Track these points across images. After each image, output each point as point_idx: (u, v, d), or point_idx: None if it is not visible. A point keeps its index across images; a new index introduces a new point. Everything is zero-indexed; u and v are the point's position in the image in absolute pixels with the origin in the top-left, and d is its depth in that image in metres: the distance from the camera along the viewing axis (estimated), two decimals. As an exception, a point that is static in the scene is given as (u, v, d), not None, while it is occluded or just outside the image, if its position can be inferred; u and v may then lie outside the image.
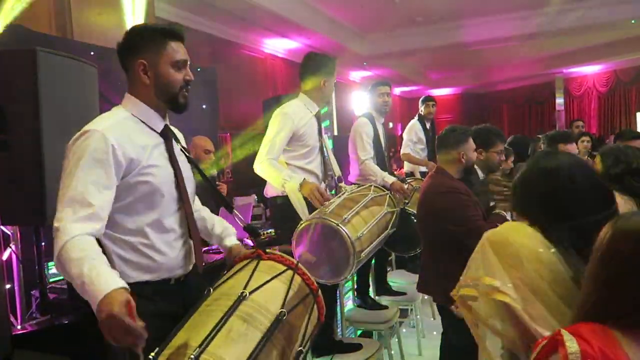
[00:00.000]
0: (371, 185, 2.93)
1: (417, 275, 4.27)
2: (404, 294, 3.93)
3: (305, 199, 2.71)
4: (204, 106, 5.23)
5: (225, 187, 4.08)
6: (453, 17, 8.11)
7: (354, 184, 3.57)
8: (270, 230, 3.59)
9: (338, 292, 3.24)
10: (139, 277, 1.56)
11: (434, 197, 2.64)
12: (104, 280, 1.27)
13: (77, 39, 4.02)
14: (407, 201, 3.48)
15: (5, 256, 2.27)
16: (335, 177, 3.11)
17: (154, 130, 1.63)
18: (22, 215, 2.16)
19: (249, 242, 3.33)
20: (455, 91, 14.45)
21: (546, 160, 1.41)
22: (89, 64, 2.46)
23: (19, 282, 2.33)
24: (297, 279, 1.59)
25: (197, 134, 3.96)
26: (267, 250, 1.65)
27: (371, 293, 3.84)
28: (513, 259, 1.28)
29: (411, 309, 4.11)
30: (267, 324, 1.40)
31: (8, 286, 2.18)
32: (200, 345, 1.28)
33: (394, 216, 2.88)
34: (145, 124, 1.61)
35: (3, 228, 2.26)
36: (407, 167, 5.49)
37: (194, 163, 1.78)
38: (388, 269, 4.29)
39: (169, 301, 1.60)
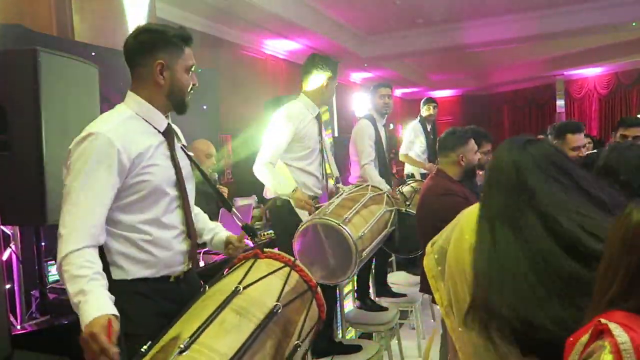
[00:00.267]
0: (368, 185, 2.94)
1: (418, 277, 4.31)
2: (404, 295, 3.92)
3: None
4: (204, 107, 5.23)
5: (227, 191, 4.09)
6: (454, 18, 8.11)
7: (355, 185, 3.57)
8: (270, 231, 3.59)
9: (338, 293, 3.24)
10: (139, 273, 1.57)
11: (431, 199, 2.65)
12: (96, 305, 1.34)
13: (78, 39, 4.02)
14: (408, 203, 3.48)
15: (5, 256, 2.27)
16: (334, 178, 3.12)
17: (157, 129, 1.63)
18: (23, 215, 2.16)
19: (249, 242, 3.34)
20: (456, 93, 14.45)
21: None
22: (90, 64, 2.46)
23: (19, 282, 2.33)
24: (294, 275, 1.60)
25: (198, 134, 3.96)
26: (265, 250, 1.65)
27: (371, 294, 3.84)
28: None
29: (411, 311, 4.11)
30: (261, 317, 1.41)
31: (8, 286, 2.18)
32: (191, 337, 1.29)
33: (392, 215, 2.88)
34: (149, 123, 1.62)
35: (3, 228, 2.26)
36: (407, 168, 5.49)
37: (194, 161, 1.78)
38: (388, 270, 4.29)
39: (168, 299, 1.61)
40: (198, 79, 1.72)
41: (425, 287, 2.84)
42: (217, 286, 1.54)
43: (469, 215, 1.41)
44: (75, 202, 1.45)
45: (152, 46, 1.59)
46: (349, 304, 3.80)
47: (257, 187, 2.81)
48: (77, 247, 1.41)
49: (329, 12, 7.54)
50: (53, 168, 2.01)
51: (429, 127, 5.33)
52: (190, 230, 1.67)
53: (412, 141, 5.23)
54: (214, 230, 1.88)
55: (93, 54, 3.67)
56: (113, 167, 1.48)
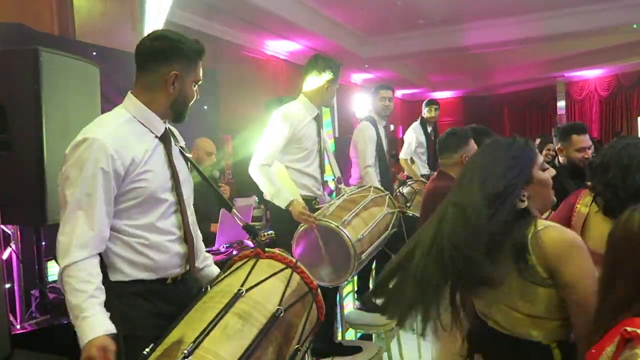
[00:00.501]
0: (371, 187, 2.93)
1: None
2: (404, 296, 3.91)
3: (305, 200, 2.71)
4: (205, 107, 5.24)
5: (229, 189, 4.09)
6: (455, 20, 8.12)
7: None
8: (270, 232, 3.59)
9: (338, 294, 3.24)
10: (136, 275, 1.56)
11: (436, 199, 2.62)
12: (94, 324, 1.39)
13: (79, 38, 4.03)
14: (409, 204, 3.48)
15: (5, 255, 2.27)
16: (335, 179, 3.11)
17: (154, 134, 1.63)
18: (23, 214, 2.16)
19: (250, 243, 3.34)
20: (457, 94, 14.46)
21: None
22: (91, 63, 2.46)
23: (19, 282, 2.33)
24: (296, 277, 1.59)
25: (199, 135, 3.97)
26: (266, 250, 1.65)
27: (371, 295, 3.84)
28: None
29: (411, 312, 4.10)
30: (263, 321, 1.40)
31: (8, 285, 2.18)
32: (194, 341, 1.29)
33: (394, 217, 2.88)
34: (146, 127, 1.61)
35: (3, 227, 2.26)
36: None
37: (192, 164, 1.78)
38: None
39: (165, 300, 1.60)
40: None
41: None
42: (219, 287, 1.54)
43: None
44: (73, 210, 1.45)
45: (168, 55, 1.59)
46: (349, 305, 3.80)
47: (257, 188, 2.80)
48: (78, 258, 1.43)
49: (329, 13, 7.55)
50: (53, 168, 2.00)
51: (429, 129, 5.33)
52: (187, 235, 1.66)
53: (413, 144, 5.22)
54: (205, 262, 1.83)
55: (94, 53, 3.68)
56: (109, 174, 1.48)
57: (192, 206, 1.76)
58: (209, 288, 1.54)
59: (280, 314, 1.44)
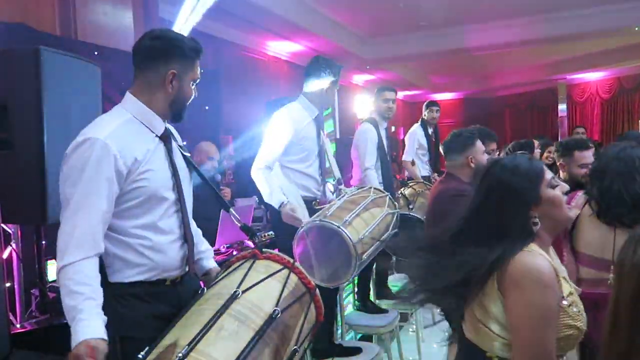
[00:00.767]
0: (371, 187, 2.92)
1: (418, 280, 4.30)
2: (404, 298, 3.91)
3: (305, 201, 2.71)
4: (206, 108, 5.24)
5: (230, 192, 4.09)
6: (457, 22, 8.11)
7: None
8: (270, 232, 3.60)
9: (338, 295, 3.23)
10: (136, 277, 1.56)
11: (444, 201, 2.58)
12: (88, 328, 1.38)
13: (81, 38, 4.03)
14: (411, 206, 3.48)
15: (5, 254, 2.27)
16: (335, 180, 3.11)
17: (154, 133, 1.63)
18: (23, 213, 2.16)
19: (250, 243, 3.34)
20: (458, 96, 14.45)
21: None
22: (92, 63, 2.47)
23: (19, 281, 2.33)
24: (293, 277, 1.58)
25: (200, 135, 3.98)
26: (264, 250, 1.64)
27: (371, 296, 3.83)
28: None
29: (411, 313, 4.10)
30: (259, 323, 1.39)
31: (8, 285, 2.18)
32: (189, 344, 1.28)
33: (394, 218, 2.87)
34: (146, 126, 1.61)
35: (4, 226, 2.26)
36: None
37: (192, 164, 1.78)
38: (389, 273, 4.28)
39: (164, 302, 1.60)
40: (200, 80, 1.72)
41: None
42: (215, 288, 1.53)
43: None
44: (75, 210, 1.45)
45: (167, 55, 1.59)
46: (349, 306, 3.80)
47: (258, 189, 2.80)
48: (77, 258, 1.42)
49: (331, 14, 7.55)
50: (54, 167, 2.00)
51: (430, 130, 5.33)
52: (186, 235, 1.66)
53: (414, 145, 5.21)
54: (201, 254, 1.83)
55: (96, 53, 3.69)
56: (111, 174, 1.47)
57: (191, 206, 1.76)
58: (205, 290, 1.53)
59: (277, 315, 1.43)
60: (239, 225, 1.81)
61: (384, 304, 3.81)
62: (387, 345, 3.35)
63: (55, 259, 1.45)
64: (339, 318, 3.37)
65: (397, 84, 10.09)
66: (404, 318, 4.18)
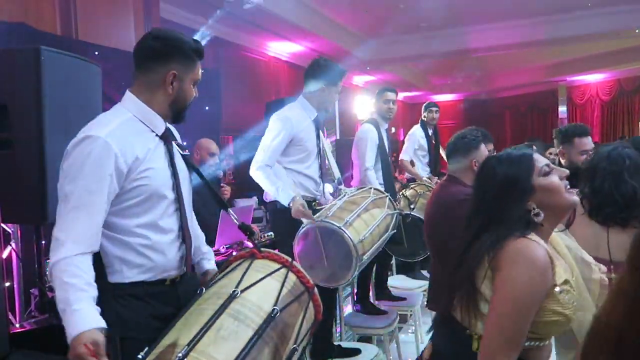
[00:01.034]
0: (371, 188, 2.92)
1: (418, 281, 4.31)
2: (403, 299, 3.91)
3: (305, 201, 2.70)
4: (207, 108, 5.24)
5: (229, 190, 4.09)
6: (457, 23, 8.13)
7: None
8: (269, 233, 3.60)
9: (337, 295, 3.23)
10: (135, 277, 1.56)
11: (453, 205, 2.43)
12: (82, 318, 1.34)
13: (81, 38, 4.03)
14: (412, 207, 3.47)
15: (5, 254, 2.28)
16: (335, 180, 3.11)
17: (155, 132, 1.63)
18: (23, 213, 2.16)
19: (249, 244, 3.34)
20: (458, 97, 14.46)
21: None
22: (93, 63, 2.47)
23: (19, 281, 2.33)
24: (292, 276, 1.58)
25: (200, 135, 3.98)
26: (262, 250, 1.64)
27: (370, 298, 3.83)
28: None
29: (410, 315, 4.10)
30: (258, 322, 1.39)
31: (7, 284, 2.18)
32: (188, 344, 1.28)
33: (394, 219, 2.87)
34: (146, 126, 1.61)
35: (4, 226, 2.26)
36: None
37: (191, 163, 1.78)
38: (388, 274, 4.28)
39: (163, 302, 1.59)
40: (201, 80, 1.72)
41: (433, 304, 2.76)
42: (214, 288, 1.52)
43: None
44: (72, 206, 1.44)
45: (168, 55, 1.59)
46: (349, 307, 3.80)
47: (258, 189, 2.81)
48: (71, 253, 1.40)
49: (332, 15, 7.56)
50: (54, 167, 2.00)
51: (430, 131, 5.33)
52: (185, 235, 1.66)
53: (413, 146, 5.21)
54: (202, 255, 1.84)
55: (96, 53, 3.69)
56: (111, 172, 1.47)
57: (191, 205, 1.76)
58: (204, 290, 1.53)
59: (276, 314, 1.43)
60: (237, 224, 1.81)
61: (383, 305, 3.81)
62: (386, 347, 3.35)
63: None
64: (338, 319, 3.37)
65: (397, 85, 10.08)
66: (403, 319, 4.18)
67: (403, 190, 3.99)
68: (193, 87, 1.66)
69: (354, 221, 2.48)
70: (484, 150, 2.66)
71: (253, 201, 4.52)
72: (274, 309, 1.44)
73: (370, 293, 3.84)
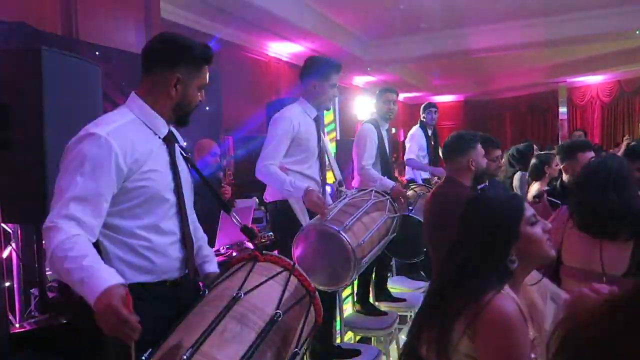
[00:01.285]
0: (372, 190, 2.91)
1: (417, 282, 4.30)
2: (403, 300, 3.92)
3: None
4: (207, 108, 5.24)
5: (230, 190, 4.10)
6: (458, 24, 8.12)
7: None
8: (269, 234, 3.59)
9: (338, 296, 3.23)
10: (137, 278, 1.56)
11: (444, 207, 2.47)
12: (103, 276, 1.30)
13: (82, 38, 4.03)
14: (411, 207, 3.46)
15: (5, 254, 2.27)
16: (336, 182, 3.10)
17: (157, 135, 1.63)
18: (24, 213, 2.16)
19: (250, 245, 3.34)
20: (458, 98, 14.45)
21: None
22: (93, 63, 2.47)
23: (19, 281, 2.33)
24: (294, 280, 1.58)
25: (200, 135, 3.99)
26: (264, 252, 1.64)
27: (370, 299, 3.83)
28: None
29: (410, 315, 4.10)
30: (261, 325, 1.40)
31: (7, 284, 2.18)
32: (192, 346, 1.28)
33: (394, 222, 2.86)
34: (149, 128, 1.61)
35: (4, 226, 2.26)
36: (408, 173, 5.47)
37: (194, 166, 1.78)
38: (388, 275, 4.28)
39: (165, 304, 1.60)
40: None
41: None
42: (217, 290, 1.53)
43: None
44: (70, 197, 1.42)
45: (174, 59, 1.59)
46: (348, 308, 3.80)
47: (258, 189, 2.80)
48: (71, 233, 1.37)
49: (332, 16, 7.56)
50: (54, 167, 2.00)
51: (429, 132, 5.33)
52: (185, 237, 1.66)
53: (414, 147, 5.21)
54: (204, 258, 1.83)
55: (97, 53, 3.69)
56: (110, 170, 1.47)
57: (192, 208, 1.76)
58: (207, 292, 1.53)
59: (279, 317, 1.43)
60: (239, 226, 1.81)
61: (383, 306, 3.81)
62: (386, 348, 3.35)
63: None
64: (338, 320, 3.37)
65: (398, 86, 10.07)
66: (403, 320, 4.18)
67: (403, 191, 3.99)
68: (199, 91, 1.66)
69: (354, 225, 2.46)
70: (480, 150, 2.67)
71: (253, 201, 4.51)
72: (277, 312, 1.44)
73: (370, 294, 3.84)
